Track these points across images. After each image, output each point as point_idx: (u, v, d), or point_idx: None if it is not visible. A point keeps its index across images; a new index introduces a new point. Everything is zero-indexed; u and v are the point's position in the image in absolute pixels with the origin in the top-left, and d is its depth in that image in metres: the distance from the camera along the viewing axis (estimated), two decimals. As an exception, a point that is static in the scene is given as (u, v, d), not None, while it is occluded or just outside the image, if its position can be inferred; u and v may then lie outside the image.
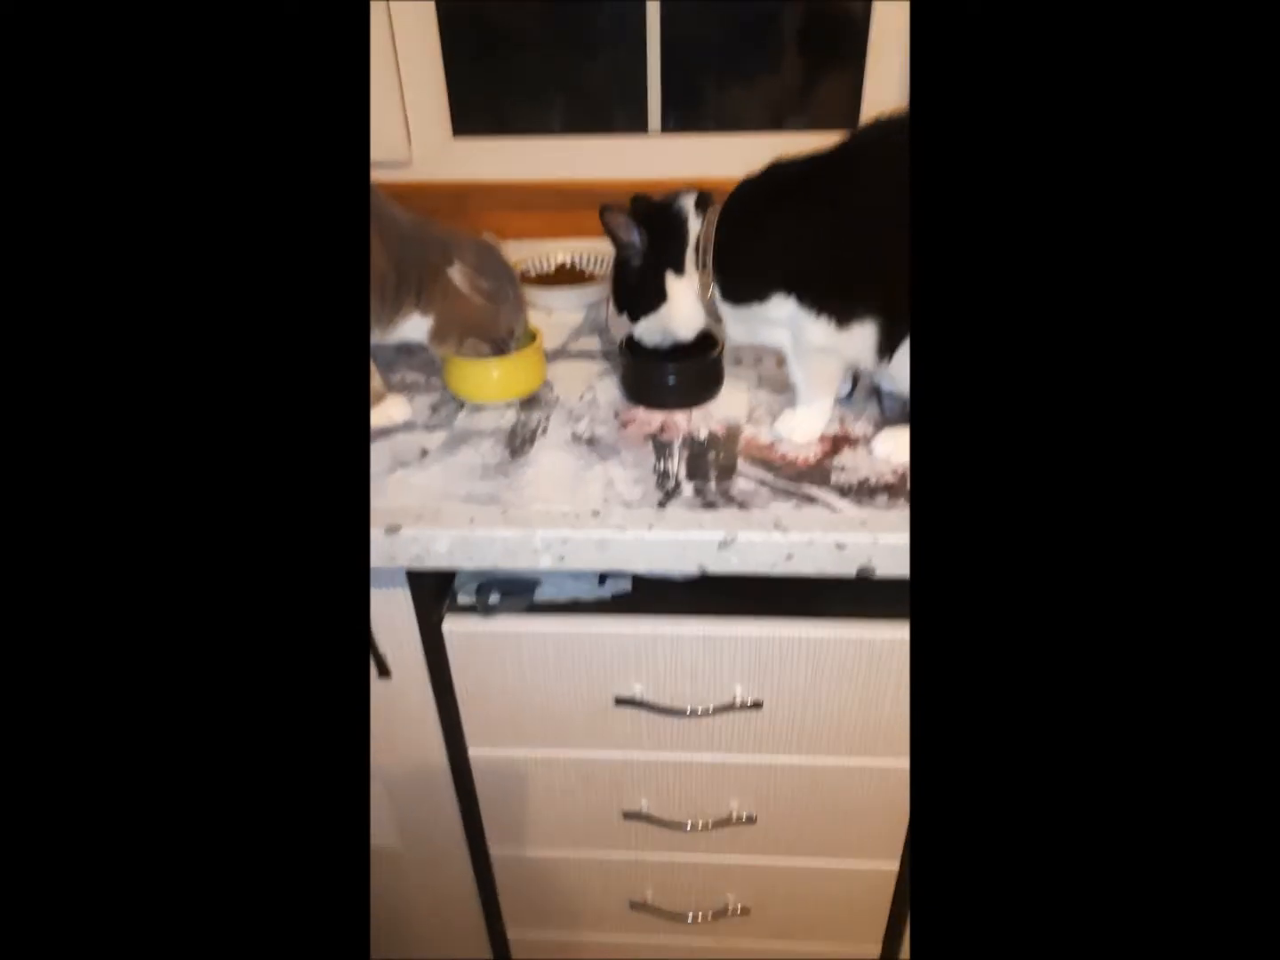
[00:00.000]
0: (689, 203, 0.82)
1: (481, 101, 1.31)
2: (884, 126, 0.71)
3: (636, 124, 1.32)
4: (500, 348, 0.87)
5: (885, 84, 1.25)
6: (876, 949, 1.13)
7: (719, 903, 1.09)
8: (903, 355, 0.74)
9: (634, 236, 0.83)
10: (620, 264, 0.85)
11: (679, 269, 0.82)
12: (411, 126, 1.29)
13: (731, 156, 1.27)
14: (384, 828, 1.06)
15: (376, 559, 0.73)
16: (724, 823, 0.98)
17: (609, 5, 1.26)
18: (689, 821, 0.98)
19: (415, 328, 0.85)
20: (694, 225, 0.81)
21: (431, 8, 1.22)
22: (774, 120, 1.34)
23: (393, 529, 0.72)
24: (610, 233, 0.84)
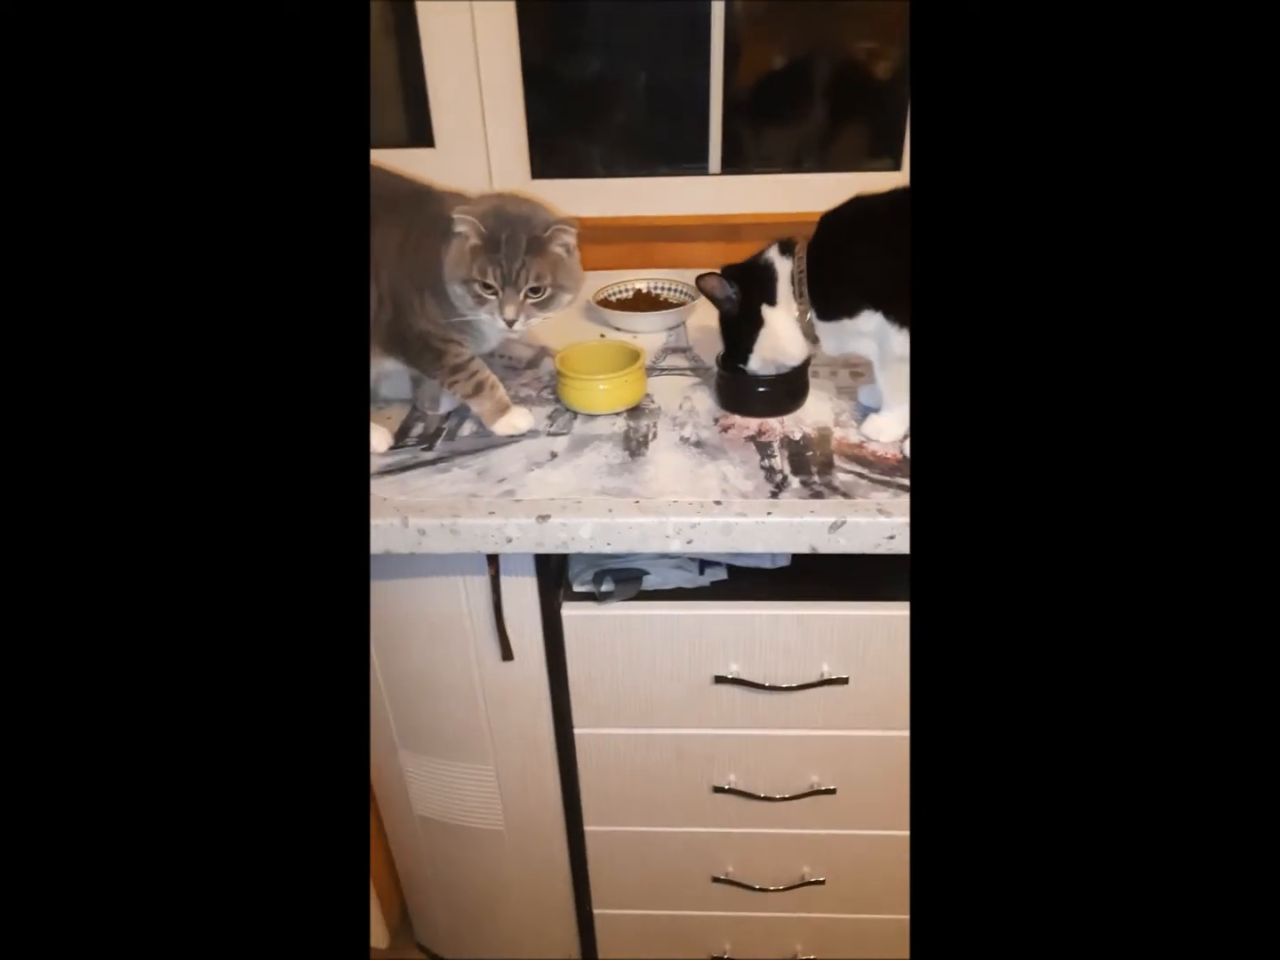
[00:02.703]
0: (774, 251, 0.96)
1: (558, 147, 1.44)
2: None
3: (698, 165, 1.44)
4: (475, 294, 0.88)
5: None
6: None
7: (795, 874, 1.18)
8: None
9: (728, 292, 0.97)
10: (723, 318, 0.99)
11: (772, 301, 0.95)
12: (494, 170, 1.41)
13: (784, 193, 1.42)
14: (491, 810, 1.15)
15: (525, 545, 0.84)
16: (806, 794, 1.07)
17: (674, 60, 1.38)
18: (774, 794, 1.07)
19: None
20: (781, 267, 0.95)
21: (517, 66, 1.34)
22: (821, 160, 1.47)
23: (543, 518, 0.82)
24: (707, 293, 0.98)
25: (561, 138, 1.44)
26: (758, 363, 0.97)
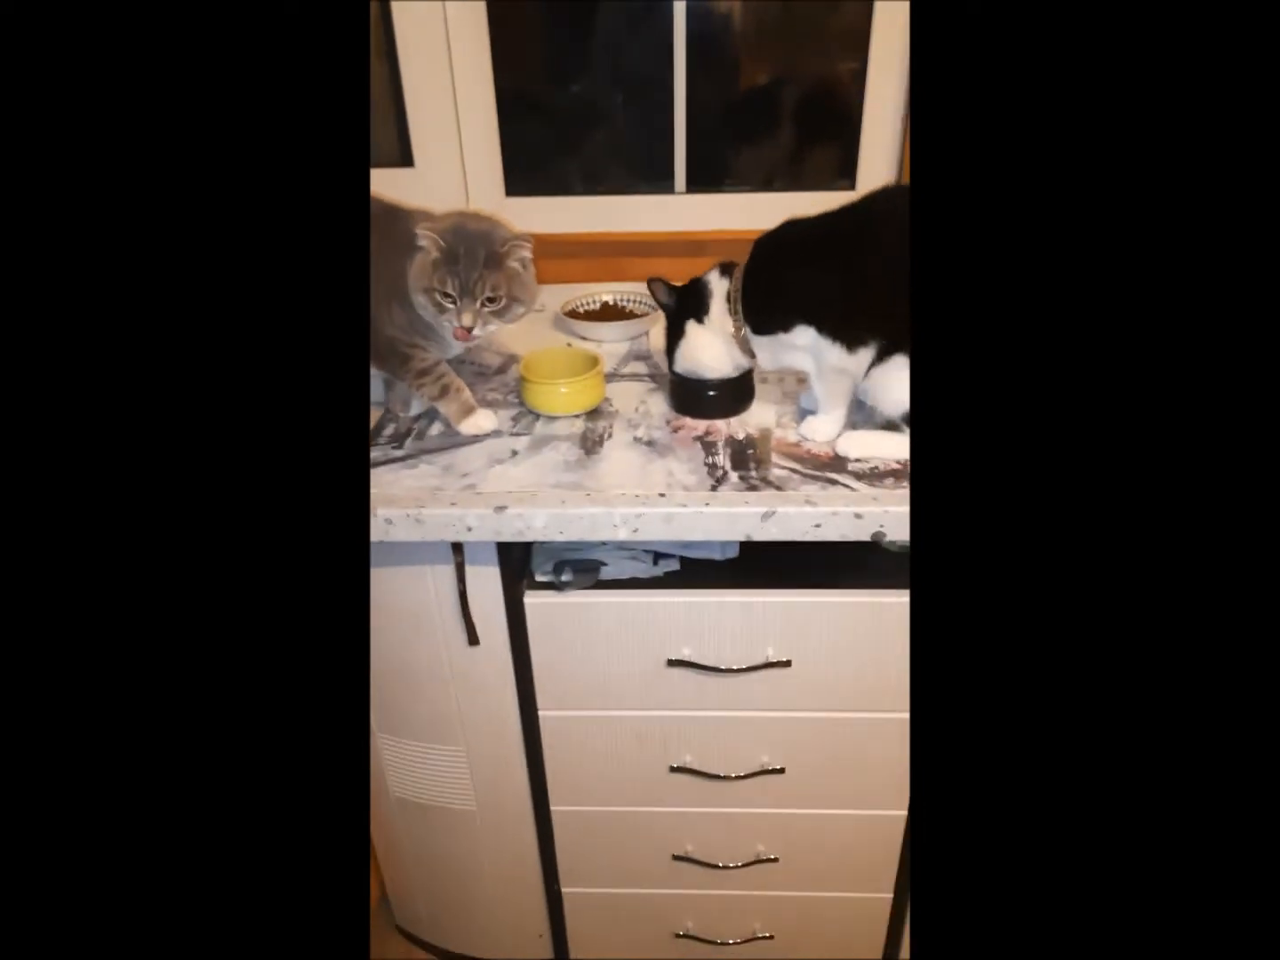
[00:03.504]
0: (714, 273, 1.05)
1: (531, 167, 1.52)
2: (882, 195, 0.92)
3: (664, 184, 1.52)
4: (436, 303, 0.96)
5: (878, 147, 1.46)
6: (890, 893, 1.28)
7: (751, 853, 1.25)
8: (878, 372, 0.94)
9: (669, 298, 1.06)
10: (666, 321, 1.08)
11: (700, 318, 1.04)
12: (470, 188, 1.49)
13: (745, 211, 1.50)
14: (463, 790, 1.22)
15: (484, 534, 0.91)
16: (757, 773, 1.14)
17: (641, 85, 1.47)
18: (727, 773, 1.14)
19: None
20: (718, 286, 1.03)
21: (490, 89, 1.43)
22: (781, 180, 1.55)
23: (500, 508, 0.90)
24: (653, 295, 1.08)
25: (535, 158, 1.52)
26: (680, 367, 1.07)
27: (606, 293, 1.38)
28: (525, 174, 1.52)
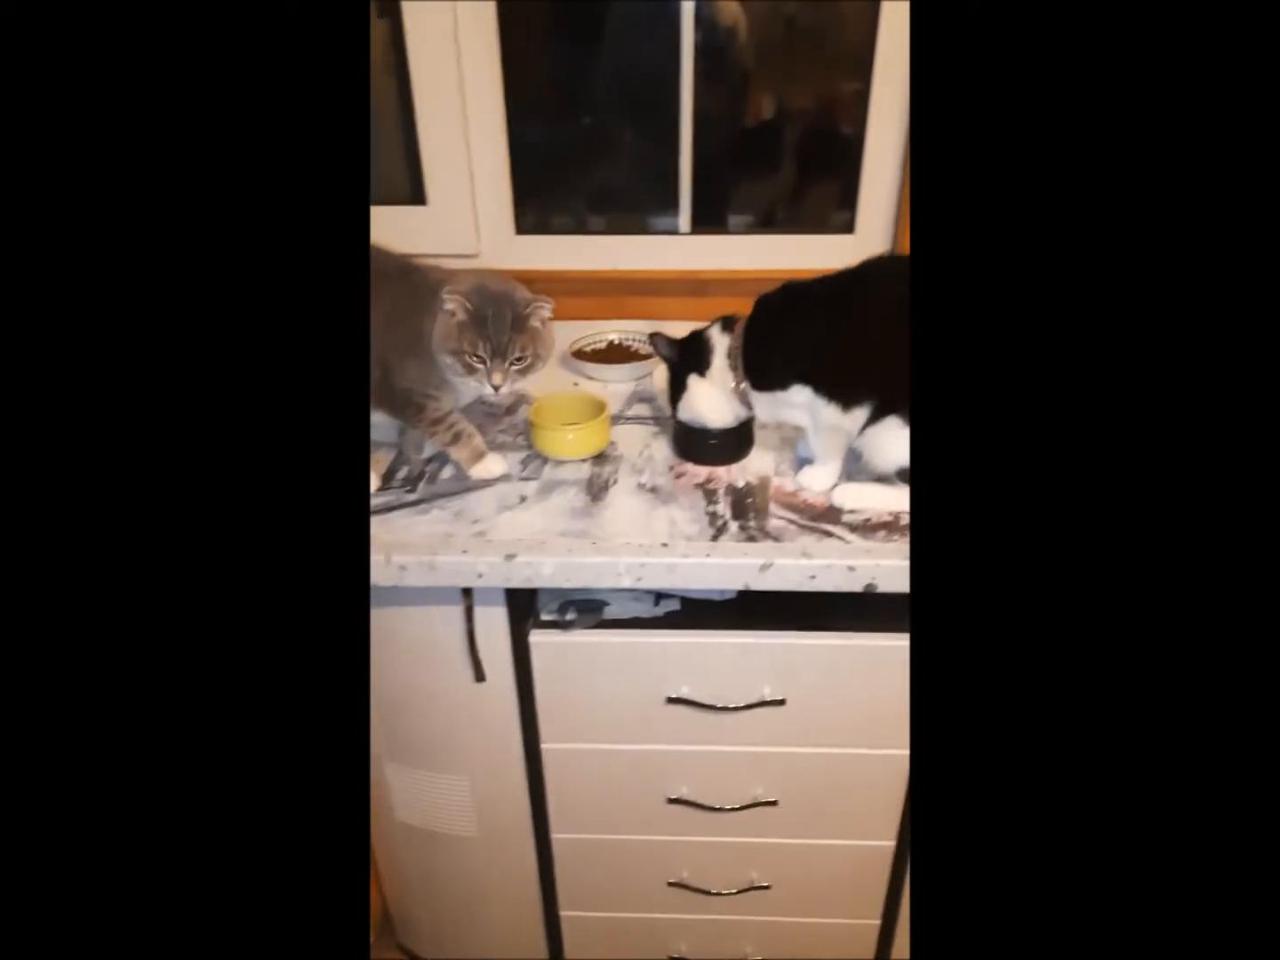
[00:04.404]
0: (715, 328, 1.09)
1: (539, 206, 1.57)
2: (875, 263, 0.97)
3: (669, 223, 1.57)
4: (466, 364, 0.99)
5: (878, 191, 1.51)
6: (877, 920, 1.33)
7: (744, 880, 1.29)
8: (872, 431, 0.98)
9: (671, 352, 1.11)
10: (668, 371, 1.13)
11: (701, 372, 1.08)
12: (481, 226, 1.54)
13: (748, 251, 1.54)
14: (466, 817, 1.26)
15: (494, 580, 0.96)
16: (750, 805, 1.18)
17: (648, 125, 1.52)
18: (722, 805, 1.18)
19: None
20: (719, 341, 1.07)
21: (503, 129, 1.47)
22: (783, 217, 1.60)
23: (510, 556, 0.94)
24: (656, 350, 1.12)
25: (543, 197, 1.57)
26: (683, 416, 1.11)
27: (613, 332, 1.43)
28: (533, 213, 1.56)
